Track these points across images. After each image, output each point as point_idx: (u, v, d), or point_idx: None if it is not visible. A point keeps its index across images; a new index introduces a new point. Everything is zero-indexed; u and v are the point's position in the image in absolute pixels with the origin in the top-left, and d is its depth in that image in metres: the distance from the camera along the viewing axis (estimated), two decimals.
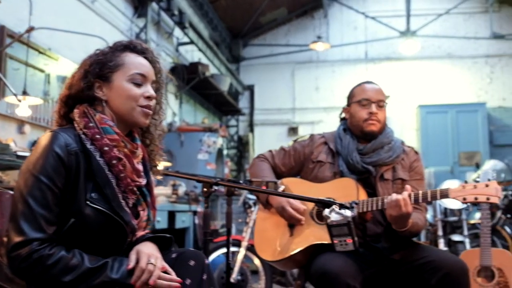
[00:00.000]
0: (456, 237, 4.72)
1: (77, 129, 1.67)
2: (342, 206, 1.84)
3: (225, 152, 8.90)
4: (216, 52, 9.53)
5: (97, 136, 1.65)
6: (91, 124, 1.66)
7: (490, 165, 6.23)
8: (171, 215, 5.50)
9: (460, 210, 4.61)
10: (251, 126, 11.52)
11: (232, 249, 4.56)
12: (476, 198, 2.16)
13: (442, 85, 10.90)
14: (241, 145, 11.16)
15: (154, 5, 7.15)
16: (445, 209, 4.74)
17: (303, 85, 11.34)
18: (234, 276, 4.36)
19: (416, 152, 2.73)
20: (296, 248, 2.50)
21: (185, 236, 5.90)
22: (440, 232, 4.35)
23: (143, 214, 1.76)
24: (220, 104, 9.96)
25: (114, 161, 1.65)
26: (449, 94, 10.78)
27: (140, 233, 1.75)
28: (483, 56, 10.95)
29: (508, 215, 6.09)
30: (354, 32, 11.33)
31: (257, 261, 4.64)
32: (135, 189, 1.72)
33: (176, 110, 8.08)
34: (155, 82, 1.80)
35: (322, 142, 2.76)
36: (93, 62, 1.72)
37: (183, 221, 5.78)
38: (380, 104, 2.65)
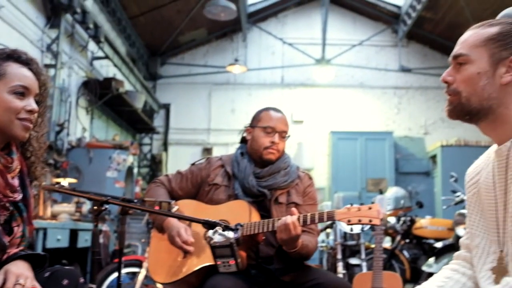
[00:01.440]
0: (353, 261, 4.88)
1: None
2: (226, 228, 1.85)
3: (136, 170, 8.72)
4: (132, 68, 9.40)
5: None
6: None
7: (392, 192, 6.52)
8: (74, 234, 5.33)
9: (358, 234, 4.77)
10: (165, 145, 11.39)
11: (134, 269, 4.49)
12: (359, 220, 2.24)
13: (353, 113, 11.30)
14: (154, 164, 11.00)
15: (68, 16, 6.97)
16: (345, 233, 4.89)
17: (219, 107, 11.39)
18: None
19: (310, 178, 2.80)
20: (189, 270, 2.48)
21: (87, 255, 5.73)
22: (339, 256, 4.48)
23: (17, 230, 1.69)
24: (134, 121, 9.79)
25: None
26: (360, 121, 11.21)
27: (13, 251, 1.67)
28: (392, 88, 11.49)
29: (407, 240, 6.37)
30: (271, 57, 11.56)
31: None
32: (7, 204, 1.64)
33: (86, 126, 7.86)
34: (38, 95, 1.73)
35: (219, 165, 2.77)
36: None
37: (86, 240, 5.61)
38: (283, 135, 2.71)
